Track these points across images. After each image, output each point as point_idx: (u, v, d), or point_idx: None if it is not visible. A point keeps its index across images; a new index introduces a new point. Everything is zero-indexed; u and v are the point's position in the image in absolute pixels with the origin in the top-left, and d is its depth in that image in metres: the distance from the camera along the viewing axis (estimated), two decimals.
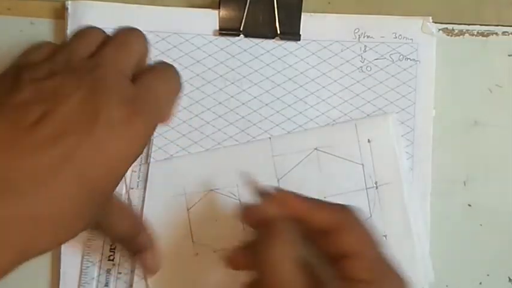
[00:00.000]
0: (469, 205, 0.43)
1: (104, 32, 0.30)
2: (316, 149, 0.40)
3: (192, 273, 0.40)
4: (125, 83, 0.27)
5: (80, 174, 0.24)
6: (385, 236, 0.40)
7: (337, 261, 0.31)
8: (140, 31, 0.30)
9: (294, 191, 0.40)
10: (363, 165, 0.41)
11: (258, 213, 0.32)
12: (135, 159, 0.27)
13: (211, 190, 0.40)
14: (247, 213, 0.33)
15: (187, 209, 0.40)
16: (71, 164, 0.24)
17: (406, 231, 0.40)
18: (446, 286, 0.42)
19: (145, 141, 0.28)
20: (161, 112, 0.29)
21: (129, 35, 0.30)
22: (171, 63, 0.31)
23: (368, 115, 0.41)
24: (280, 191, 0.33)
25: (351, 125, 0.41)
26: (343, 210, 0.32)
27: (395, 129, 0.41)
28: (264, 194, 0.33)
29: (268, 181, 0.40)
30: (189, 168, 0.40)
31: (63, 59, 0.28)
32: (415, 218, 0.41)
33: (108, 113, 0.25)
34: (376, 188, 0.41)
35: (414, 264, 0.40)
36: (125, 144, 0.26)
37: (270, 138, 0.41)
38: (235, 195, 0.40)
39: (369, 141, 0.41)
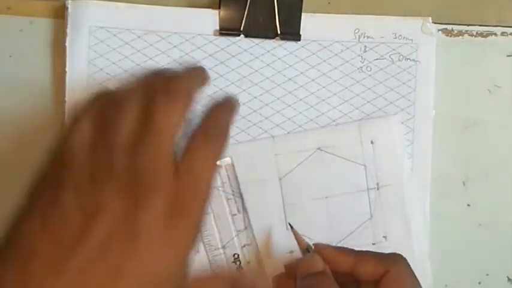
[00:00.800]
0: (468, 205, 0.43)
1: (136, 102, 0.28)
2: (318, 148, 0.40)
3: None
4: (168, 176, 0.26)
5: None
6: (385, 237, 0.40)
7: None
8: (178, 104, 0.28)
9: (296, 190, 0.40)
10: (365, 166, 0.41)
11: (304, 267, 0.34)
12: (189, 257, 0.26)
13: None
14: (289, 268, 0.36)
15: None
16: (120, 279, 0.23)
17: (405, 233, 0.41)
18: (446, 286, 0.42)
19: (195, 239, 0.27)
20: (205, 196, 0.28)
21: (164, 113, 0.27)
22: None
23: (368, 115, 0.41)
24: (322, 247, 0.35)
25: (354, 125, 0.41)
26: (390, 261, 0.33)
27: (398, 131, 0.41)
28: (309, 249, 0.36)
29: (270, 179, 0.40)
30: None
31: (104, 154, 0.26)
32: (414, 220, 0.41)
33: (149, 224, 0.25)
34: (378, 189, 0.41)
35: (413, 267, 0.40)
36: (172, 252, 0.25)
37: (273, 137, 0.41)
38: (237, 194, 0.40)
39: (371, 142, 0.41)
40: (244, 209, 0.40)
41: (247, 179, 0.40)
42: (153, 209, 0.25)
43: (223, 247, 0.40)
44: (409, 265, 0.34)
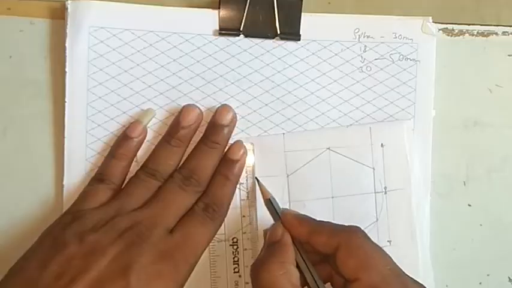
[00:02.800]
0: (469, 205, 0.43)
1: (159, 181, 0.36)
2: (328, 148, 0.40)
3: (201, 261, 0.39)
4: (161, 236, 0.32)
5: None
6: (390, 242, 0.40)
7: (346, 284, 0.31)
8: (190, 188, 0.36)
9: (303, 188, 0.40)
10: (373, 169, 0.41)
11: (268, 237, 0.35)
12: None
13: None
14: (265, 233, 0.37)
15: None
16: None
17: (411, 240, 0.40)
18: (446, 286, 0.42)
19: (182, 281, 0.33)
20: (196, 250, 0.34)
21: (174, 193, 0.35)
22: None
23: (368, 115, 0.41)
24: (285, 213, 0.36)
25: (366, 128, 0.41)
26: (343, 234, 0.33)
27: (409, 137, 0.41)
28: (271, 201, 0.37)
29: (278, 176, 0.40)
30: None
31: (112, 211, 0.33)
32: (420, 228, 0.41)
33: (140, 266, 0.30)
34: (385, 193, 0.41)
35: (416, 273, 0.39)
36: None
37: (283, 133, 0.41)
38: (244, 188, 0.40)
39: (382, 145, 0.41)
40: (252, 199, 0.40)
41: (256, 173, 0.40)
42: (148, 250, 0.31)
43: (226, 228, 0.40)
44: (365, 235, 0.33)
